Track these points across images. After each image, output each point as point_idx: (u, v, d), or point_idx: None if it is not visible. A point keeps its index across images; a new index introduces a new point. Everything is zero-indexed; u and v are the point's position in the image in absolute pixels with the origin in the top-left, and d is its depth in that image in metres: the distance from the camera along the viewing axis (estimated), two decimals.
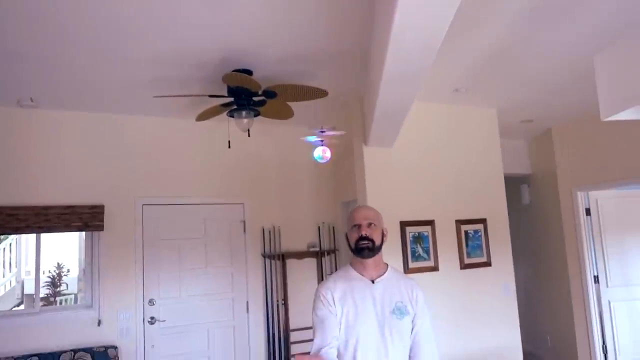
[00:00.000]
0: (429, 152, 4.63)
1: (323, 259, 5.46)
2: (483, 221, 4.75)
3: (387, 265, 2.20)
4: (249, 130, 3.87)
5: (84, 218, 4.45)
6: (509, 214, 4.95)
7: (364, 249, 2.08)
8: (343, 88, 4.21)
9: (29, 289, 10.81)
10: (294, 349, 4.99)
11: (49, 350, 4.21)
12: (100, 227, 4.49)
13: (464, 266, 4.60)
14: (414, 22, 2.32)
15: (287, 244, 5.41)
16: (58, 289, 11.89)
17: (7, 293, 11.19)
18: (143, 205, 4.82)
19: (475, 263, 4.65)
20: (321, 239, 5.55)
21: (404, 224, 4.40)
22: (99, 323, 4.50)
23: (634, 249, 5.55)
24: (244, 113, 3.71)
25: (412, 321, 2.10)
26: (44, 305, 8.33)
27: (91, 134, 4.68)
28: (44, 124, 4.49)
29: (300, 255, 5.32)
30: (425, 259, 4.45)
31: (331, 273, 5.31)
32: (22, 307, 10.84)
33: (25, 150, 4.42)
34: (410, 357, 2.09)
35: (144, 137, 4.90)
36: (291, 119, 4.25)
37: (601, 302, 5.50)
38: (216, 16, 2.80)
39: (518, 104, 4.89)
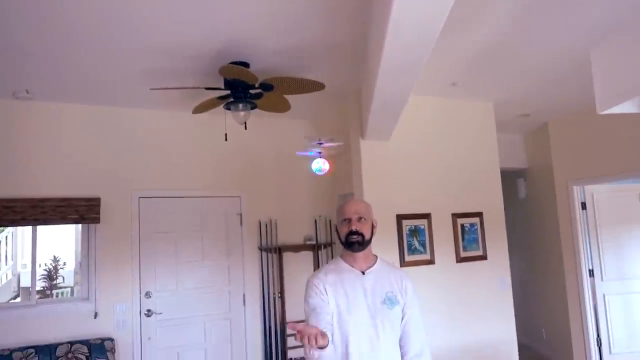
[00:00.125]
0: (425, 146, 4.64)
1: (320, 252, 5.47)
2: (479, 215, 4.77)
3: (376, 256, 2.23)
4: (245, 123, 3.87)
5: (80, 210, 4.45)
6: (505, 208, 4.96)
7: (354, 243, 2.10)
8: (340, 81, 4.20)
9: (25, 282, 10.79)
10: (291, 342, 5.01)
11: (45, 343, 4.22)
12: (96, 220, 4.49)
13: (460, 259, 4.61)
14: (412, 10, 2.31)
15: (284, 237, 5.42)
16: (54, 282, 11.88)
17: (3, 286, 11.18)
18: (139, 198, 4.82)
19: (471, 256, 4.67)
20: (318, 232, 5.56)
21: (400, 217, 4.42)
22: (96, 315, 4.50)
23: (629, 243, 5.58)
24: (240, 106, 3.71)
25: (402, 311, 2.13)
26: (41, 298, 8.32)
27: (88, 126, 4.66)
28: (40, 116, 4.47)
29: (296, 248, 5.33)
30: (421, 252, 4.47)
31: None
32: (18, 300, 10.82)
33: (22, 142, 4.40)
34: (400, 346, 2.13)
35: (140, 130, 4.88)
36: (288, 112, 4.25)
37: (596, 295, 5.54)
38: (212, 7, 2.79)
39: (515, 98, 4.90)
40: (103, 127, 4.72)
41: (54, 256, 11.96)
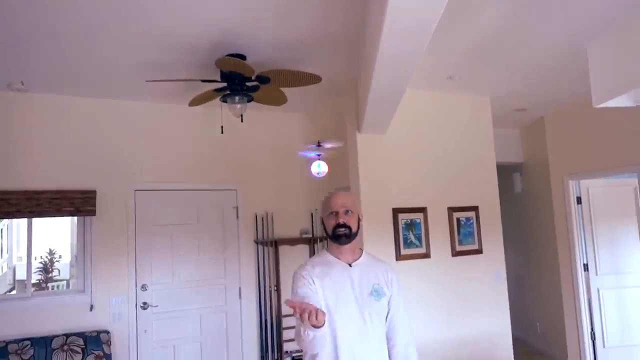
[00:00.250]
0: (422, 140, 4.64)
1: (316, 245, 5.47)
2: (475, 209, 4.78)
3: (362, 249, 2.25)
4: (242, 116, 3.86)
5: (76, 203, 4.44)
6: (501, 202, 4.97)
7: (342, 235, 2.11)
8: (337, 74, 4.19)
9: (21, 274, 10.78)
10: (286, 335, 5.03)
11: (41, 335, 4.22)
12: (92, 212, 4.48)
13: (456, 253, 4.63)
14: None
15: (280, 230, 5.42)
16: (50, 275, 11.88)
17: None
18: (135, 190, 4.81)
19: (467, 250, 4.68)
20: (314, 226, 5.56)
21: (396, 211, 4.42)
22: (91, 308, 4.50)
23: (624, 238, 5.61)
24: (237, 98, 3.70)
25: (389, 303, 2.15)
26: (36, 290, 8.31)
27: (84, 118, 4.64)
28: (35, 108, 4.45)
29: (292, 241, 5.34)
30: (417, 246, 4.48)
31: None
32: (14, 292, 10.81)
33: (17, 134, 4.38)
34: (387, 338, 2.15)
35: (136, 123, 4.87)
36: (284, 105, 4.24)
37: (590, 289, 5.56)
38: None
39: (511, 92, 4.90)
40: (99, 120, 4.70)
41: (50, 249, 11.96)
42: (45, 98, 4.48)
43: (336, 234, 2.12)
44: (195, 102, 3.97)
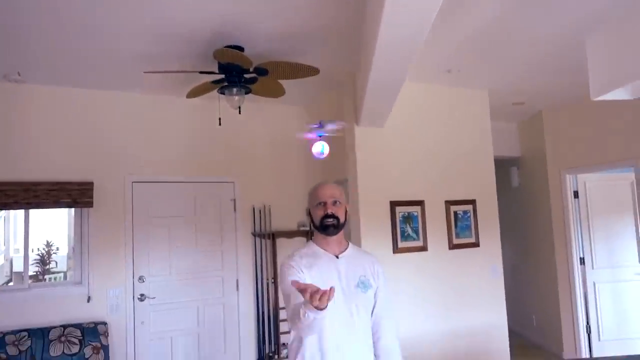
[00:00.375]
0: (420, 133, 4.64)
1: (313, 238, 5.46)
2: (472, 202, 4.79)
3: (348, 242, 2.25)
4: (239, 108, 3.85)
5: (73, 194, 4.43)
6: (498, 196, 4.98)
7: (330, 226, 2.11)
8: (335, 66, 4.18)
9: (18, 266, 10.76)
10: (283, 327, 5.04)
11: (38, 326, 4.22)
12: (89, 204, 4.47)
13: (453, 246, 4.64)
14: None
15: (277, 223, 5.42)
16: (47, 267, 11.87)
17: None
18: (133, 182, 4.80)
19: (464, 243, 4.69)
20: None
21: (393, 204, 4.42)
22: (89, 299, 4.50)
23: (620, 232, 5.63)
24: (234, 90, 3.69)
25: (375, 295, 2.16)
26: (33, 282, 8.32)
27: (81, 110, 4.63)
28: (32, 100, 4.43)
29: (290, 234, 5.33)
30: (414, 239, 4.49)
31: None
32: (11, 284, 10.81)
33: (14, 125, 4.36)
34: (373, 331, 2.16)
35: (133, 114, 4.85)
36: (282, 97, 4.23)
37: (586, 283, 5.60)
38: None
39: (510, 86, 4.89)
40: (96, 111, 4.69)
41: (47, 241, 11.94)
42: (42, 89, 4.46)
43: (324, 225, 2.11)
44: (193, 93, 3.95)
